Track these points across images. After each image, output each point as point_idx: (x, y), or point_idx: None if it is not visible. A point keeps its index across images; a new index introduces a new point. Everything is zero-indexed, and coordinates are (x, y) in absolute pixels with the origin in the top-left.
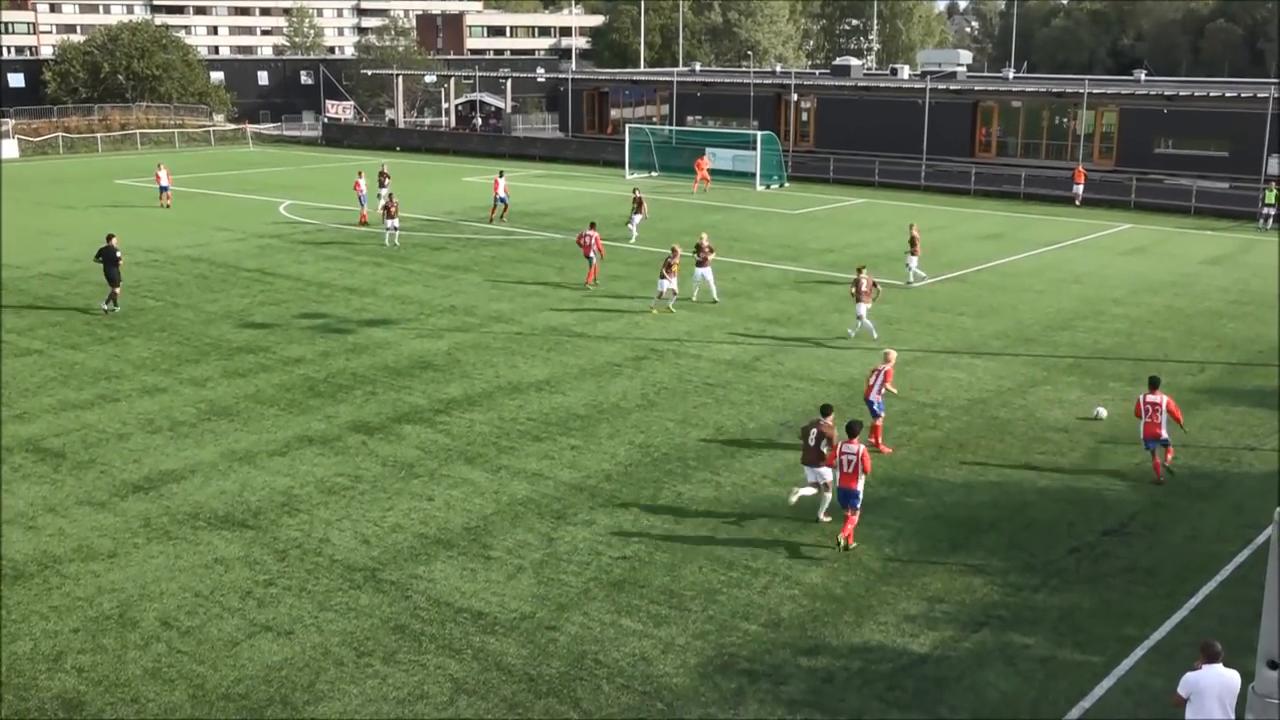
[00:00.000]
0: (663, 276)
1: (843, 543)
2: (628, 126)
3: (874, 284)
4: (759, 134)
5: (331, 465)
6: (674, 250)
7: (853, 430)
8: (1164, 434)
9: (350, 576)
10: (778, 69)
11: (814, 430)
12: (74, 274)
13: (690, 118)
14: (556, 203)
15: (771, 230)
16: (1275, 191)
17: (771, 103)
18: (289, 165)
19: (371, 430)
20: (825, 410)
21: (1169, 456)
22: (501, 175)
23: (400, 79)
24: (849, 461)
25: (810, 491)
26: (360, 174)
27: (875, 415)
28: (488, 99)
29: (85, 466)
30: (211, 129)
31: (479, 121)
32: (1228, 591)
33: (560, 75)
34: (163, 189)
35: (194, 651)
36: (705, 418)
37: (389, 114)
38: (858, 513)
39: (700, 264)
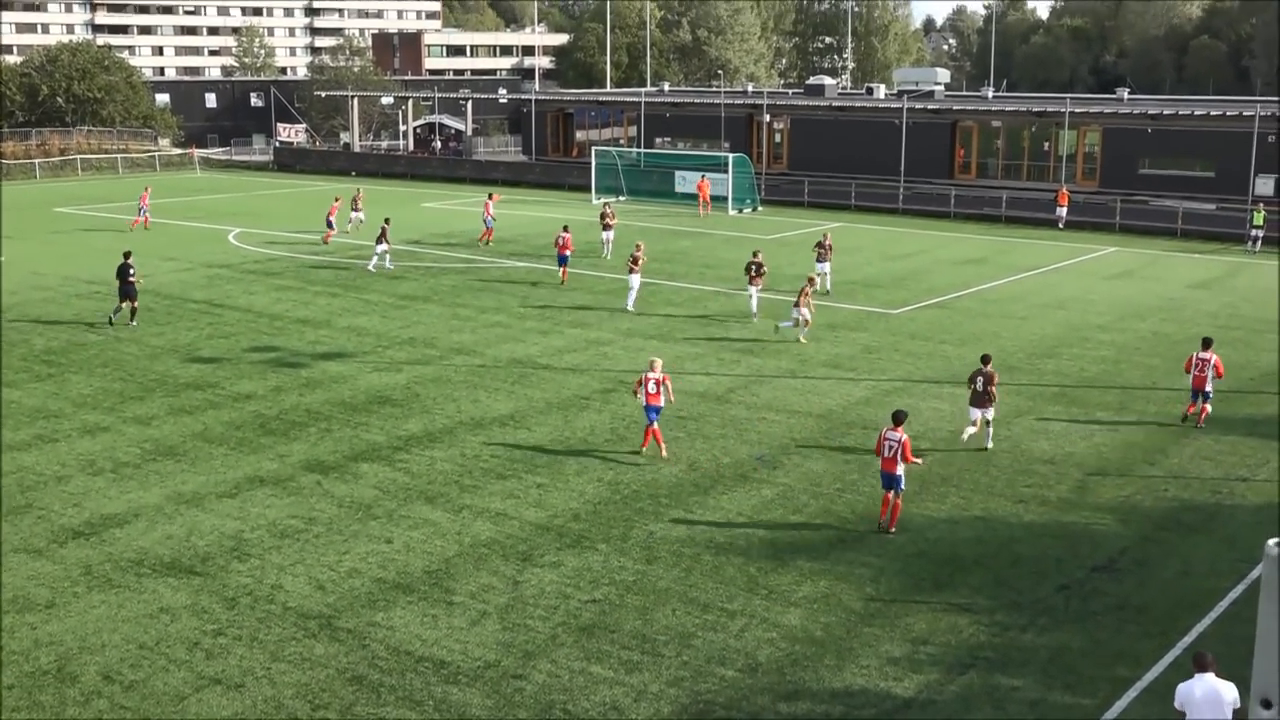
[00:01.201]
0: (631, 271)
1: (883, 524)
2: (594, 149)
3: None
4: (730, 156)
5: (284, 507)
6: (638, 246)
7: (898, 418)
8: (1209, 388)
9: (304, 625)
10: (749, 88)
11: (980, 378)
12: (9, 308)
13: (659, 139)
14: (520, 229)
15: (744, 255)
16: (1263, 213)
17: (743, 123)
18: (238, 191)
19: (326, 469)
20: (985, 359)
21: (1205, 412)
22: (491, 198)
23: (355, 101)
24: (890, 447)
25: (973, 430)
26: (337, 199)
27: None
28: (447, 121)
29: (21, 511)
30: (157, 154)
31: (438, 144)
32: (1222, 629)
33: (523, 96)
34: (142, 210)
35: (138, 707)
36: (678, 452)
37: (344, 137)
38: (900, 496)
39: (631, 270)
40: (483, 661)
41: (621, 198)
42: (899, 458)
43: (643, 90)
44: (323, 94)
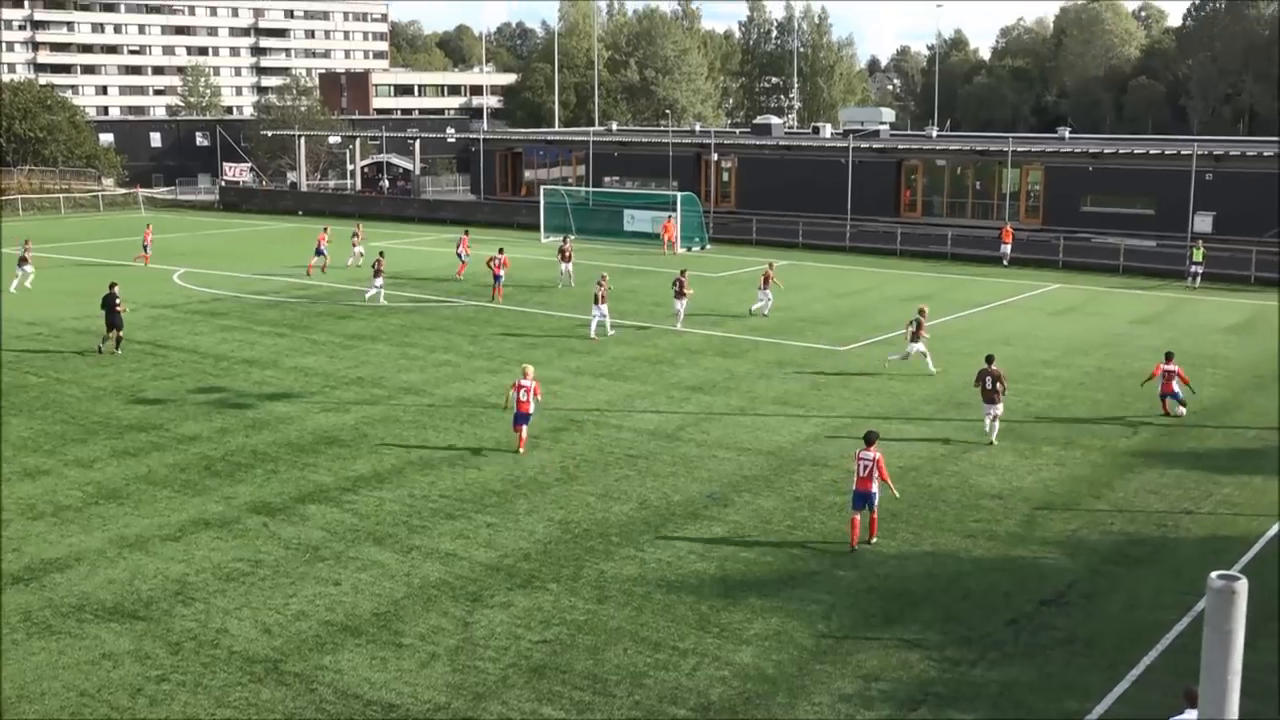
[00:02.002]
0: (597, 302)
1: (859, 545)
2: (542, 188)
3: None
4: (679, 195)
5: (230, 549)
6: (603, 277)
7: (870, 439)
8: (1177, 389)
9: (250, 669)
10: (697, 128)
11: (988, 377)
12: None
13: (608, 178)
14: (470, 268)
15: (694, 295)
16: (1202, 249)
17: (691, 163)
18: (183, 231)
19: (273, 511)
20: (990, 359)
21: (1181, 410)
22: (467, 233)
23: (302, 140)
24: (865, 466)
25: (989, 424)
26: (325, 228)
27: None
28: (395, 160)
29: None
30: (100, 194)
31: (386, 184)
32: (1169, 661)
33: (471, 135)
34: (144, 247)
35: None
36: (628, 491)
37: (291, 177)
38: (876, 511)
39: (598, 300)
40: (433, 704)
41: (571, 236)
42: (873, 475)
43: (591, 130)
44: (269, 133)
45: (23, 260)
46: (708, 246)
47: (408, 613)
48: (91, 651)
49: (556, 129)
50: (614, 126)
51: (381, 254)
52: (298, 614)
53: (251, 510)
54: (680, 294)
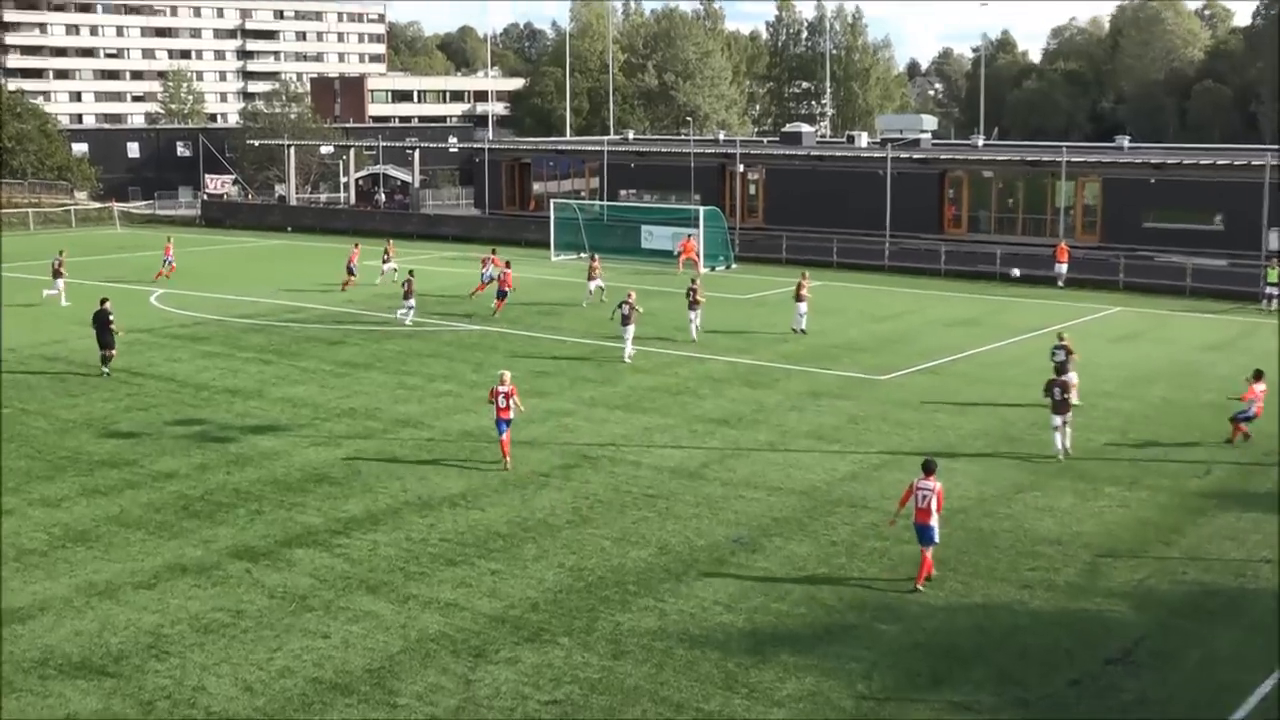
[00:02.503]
0: (624, 323)
1: (923, 584)
2: (552, 202)
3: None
4: (701, 209)
5: (209, 598)
6: (629, 295)
7: (929, 467)
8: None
9: None
10: (721, 137)
11: (1056, 387)
12: None
13: (624, 191)
14: (471, 288)
15: (718, 318)
16: (1278, 269)
17: (715, 174)
18: (162, 249)
19: (256, 556)
20: (1060, 369)
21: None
22: (494, 252)
23: (292, 150)
24: (924, 497)
25: (1058, 437)
26: (357, 245)
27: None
28: (393, 172)
29: None
30: (73, 208)
31: (382, 197)
32: None
33: (475, 145)
34: (167, 261)
35: None
36: (646, 535)
37: (279, 190)
38: (931, 548)
39: (624, 323)
40: None
41: (583, 255)
42: (932, 508)
43: (605, 139)
44: (256, 143)
45: (56, 274)
46: (733, 266)
47: (404, 669)
48: (55, 710)
49: (568, 138)
50: (630, 135)
51: (411, 273)
52: (282, 670)
53: (233, 555)
54: (694, 304)
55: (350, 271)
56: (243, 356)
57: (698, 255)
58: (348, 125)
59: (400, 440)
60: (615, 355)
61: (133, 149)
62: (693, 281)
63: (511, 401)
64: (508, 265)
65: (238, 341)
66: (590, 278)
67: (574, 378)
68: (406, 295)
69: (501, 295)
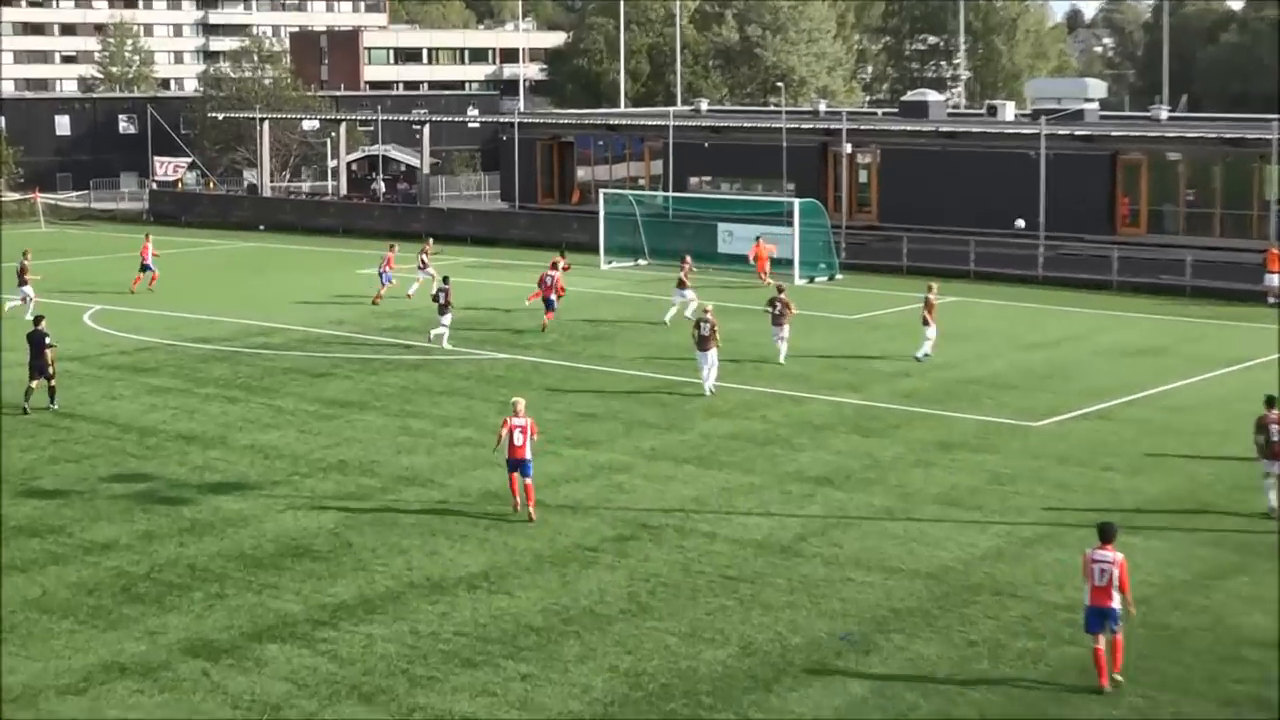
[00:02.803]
0: (703, 347)
1: (1109, 682)
2: (602, 193)
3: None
4: (796, 203)
5: (154, 707)
6: (705, 310)
7: (1107, 534)
8: None
9: None
10: (822, 107)
11: (1273, 426)
12: None
13: (694, 179)
14: (497, 305)
15: (818, 344)
16: None
17: (814, 157)
18: (99, 253)
19: (217, 653)
20: (1271, 402)
21: None
22: (563, 254)
23: (266, 125)
24: (1103, 573)
25: (1271, 487)
26: (392, 247)
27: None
28: (395, 154)
29: None
30: None
31: (381, 187)
32: None
33: (503, 118)
34: (145, 267)
35: None
36: (725, 629)
37: (248, 177)
38: (1119, 633)
39: (704, 346)
40: None
41: (642, 261)
42: (1113, 585)
43: (671, 110)
44: (219, 116)
45: (21, 278)
46: (838, 276)
47: None
48: None
49: (622, 109)
50: (704, 106)
51: (446, 280)
52: None
53: (186, 651)
54: (779, 319)
55: (383, 279)
56: (201, 393)
57: (770, 264)
58: (337, 93)
59: (404, 502)
60: (683, 392)
61: (62, 124)
62: (779, 291)
63: (529, 438)
64: (553, 266)
65: (195, 373)
66: (680, 286)
67: (630, 422)
68: (443, 309)
69: (549, 305)
